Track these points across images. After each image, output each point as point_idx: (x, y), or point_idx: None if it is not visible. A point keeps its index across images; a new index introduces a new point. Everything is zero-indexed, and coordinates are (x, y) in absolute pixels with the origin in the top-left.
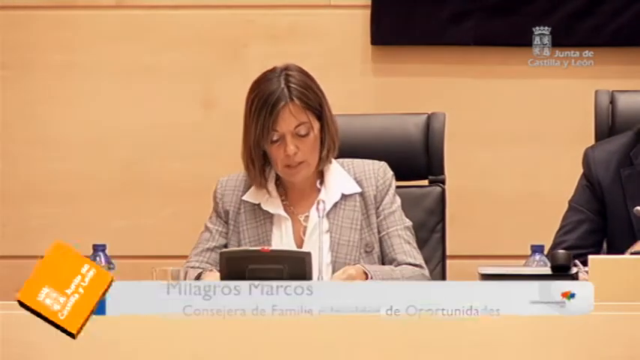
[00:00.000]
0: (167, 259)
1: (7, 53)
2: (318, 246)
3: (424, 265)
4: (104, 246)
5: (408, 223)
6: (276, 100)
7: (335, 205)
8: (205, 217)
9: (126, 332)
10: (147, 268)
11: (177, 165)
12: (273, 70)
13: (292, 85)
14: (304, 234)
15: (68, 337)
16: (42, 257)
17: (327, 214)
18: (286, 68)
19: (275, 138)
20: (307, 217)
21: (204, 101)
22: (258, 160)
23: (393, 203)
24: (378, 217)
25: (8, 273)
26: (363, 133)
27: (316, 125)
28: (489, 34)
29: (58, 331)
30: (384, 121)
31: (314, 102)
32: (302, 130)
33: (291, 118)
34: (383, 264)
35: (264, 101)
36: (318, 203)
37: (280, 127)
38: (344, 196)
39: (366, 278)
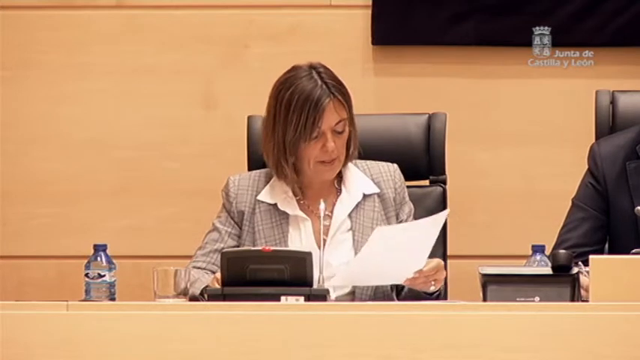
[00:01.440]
0: (168, 259)
1: (7, 53)
2: (340, 245)
3: None
4: (105, 246)
5: None
6: (319, 96)
7: (357, 205)
8: (205, 217)
9: (127, 331)
10: (147, 268)
11: (177, 165)
12: (299, 67)
13: (329, 82)
14: (325, 233)
15: (68, 337)
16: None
17: (350, 214)
18: (314, 66)
19: (315, 135)
20: (327, 216)
21: (205, 101)
22: (292, 157)
23: (411, 210)
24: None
25: (8, 273)
26: (364, 133)
27: (349, 122)
28: (489, 34)
29: (58, 331)
30: (385, 121)
31: (348, 99)
32: (340, 127)
33: (334, 115)
34: None
35: (305, 98)
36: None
37: (324, 124)
38: (364, 196)
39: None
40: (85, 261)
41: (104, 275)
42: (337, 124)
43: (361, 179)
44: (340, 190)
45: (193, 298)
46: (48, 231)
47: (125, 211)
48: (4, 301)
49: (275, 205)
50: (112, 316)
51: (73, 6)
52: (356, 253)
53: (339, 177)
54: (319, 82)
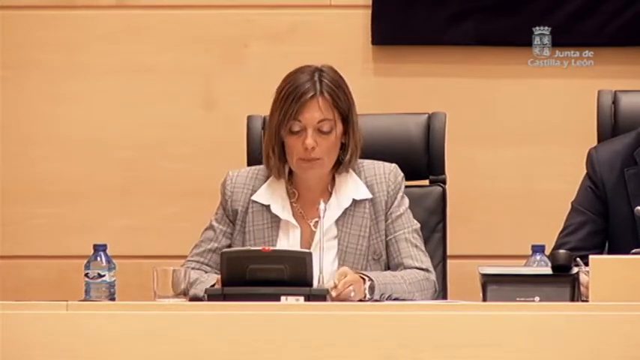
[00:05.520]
0: (167, 259)
1: (7, 53)
2: (325, 253)
3: (431, 269)
4: (105, 246)
5: (416, 225)
6: (306, 90)
7: (345, 211)
8: (205, 217)
9: (127, 331)
10: (147, 267)
11: (177, 165)
12: (309, 65)
13: (325, 81)
14: (313, 240)
15: (68, 337)
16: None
17: (337, 221)
18: (321, 66)
19: (296, 129)
20: (317, 222)
21: (204, 101)
22: (279, 147)
23: (400, 206)
24: (386, 221)
25: (8, 273)
26: (364, 133)
27: (339, 127)
28: (489, 34)
29: (58, 331)
30: (384, 121)
31: (343, 103)
32: (325, 127)
33: (316, 112)
34: (389, 268)
35: (293, 89)
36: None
37: (304, 118)
38: (354, 202)
39: (364, 282)
40: (85, 261)
41: (104, 275)
42: (321, 122)
43: (353, 184)
44: (332, 194)
45: (194, 299)
46: (48, 231)
47: (125, 211)
48: (4, 301)
49: (268, 206)
50: (111, 316)
51: (73, 6)
52: (339, 263)
53: (334, 182)
54: (315, 78)
